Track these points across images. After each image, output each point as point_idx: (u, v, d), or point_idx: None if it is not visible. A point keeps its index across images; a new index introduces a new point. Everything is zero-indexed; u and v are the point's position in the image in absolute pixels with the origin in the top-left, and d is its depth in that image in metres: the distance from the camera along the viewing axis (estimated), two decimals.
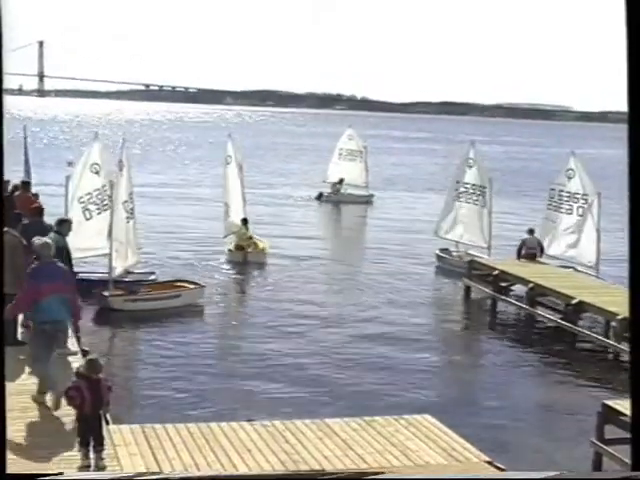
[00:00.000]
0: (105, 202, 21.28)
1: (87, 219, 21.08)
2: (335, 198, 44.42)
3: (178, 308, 21.77)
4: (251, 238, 28.76)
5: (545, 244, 25.31)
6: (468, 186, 27.47)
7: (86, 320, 20.24)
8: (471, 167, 27.62)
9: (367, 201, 44.98)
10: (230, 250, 28.44)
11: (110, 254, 21.02)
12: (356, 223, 42.63)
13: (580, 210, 24.84)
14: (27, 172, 23.18)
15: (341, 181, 44.34)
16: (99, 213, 21.28)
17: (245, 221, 28.57)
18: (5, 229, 15.00)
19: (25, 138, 24.65)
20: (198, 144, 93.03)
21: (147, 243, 24.74)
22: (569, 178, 25.30)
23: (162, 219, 35.72)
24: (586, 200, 24.69)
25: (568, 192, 25.18)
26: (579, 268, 24.72)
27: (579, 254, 24.68)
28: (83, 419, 9.71)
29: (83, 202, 21.17)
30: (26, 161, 23.88)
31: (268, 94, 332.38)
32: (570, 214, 25.07)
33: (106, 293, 21.11)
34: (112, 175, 21.28)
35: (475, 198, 27.32)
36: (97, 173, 21.29)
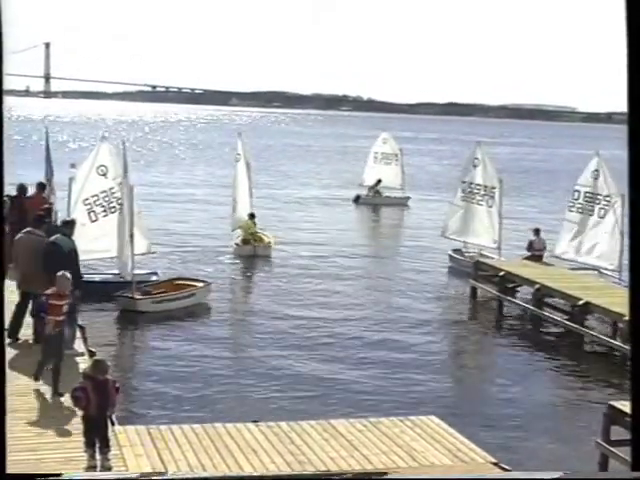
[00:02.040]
0: (112, 204, 21.16)
1: (92, 221, 21.01)
2: (372, 200, 45.46)
3: (192, 307, 21.98)
4: (257, 232, 29.60)
5: (563, 246, 25.04)
6: (473, 186, 27.25)
7: (120, 324, 20.53)
8: (476, 167, 27.39)
9: (403, 203, 45.64)
10: (237, 244, 29.31)
11: (132, 256, 20.98)
12: (378, 224, 43.31)
13: (602, 212, 24.36)
14: (50, 172, 23.28)
15: (378, 182, 45.33)
16: (105, 215, 21.15)
17: (252, 216, 29.45)
18: (29, 229, 15.03)
19: (47, 140, 24.86)
20: (208, 145, 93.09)
21: (156, 241, 25.15)
22: (595, 179, 24.74)
23: (172, 218, 36.50)
24: (609, 202, 24.21)
25: (593, 193, 24.65)
26: (602, 271, 24.24)
27: (602, 257, 24.12)
28: (89, 420, 9.73)
29: (89, 204, 21.09)
30: (48, 162, 24.02)
31: (274, 95, 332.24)
32: (592, 215, 24.55)
33: (130, 295, 21.05)
34: (121, 177, 21.25)
35: (479, 198, 27.06)
36: (104, 175, 21.22)
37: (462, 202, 27.63)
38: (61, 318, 12.27)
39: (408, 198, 45.88)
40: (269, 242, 29.86)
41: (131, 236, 20.76)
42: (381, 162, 45.54)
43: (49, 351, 12.22)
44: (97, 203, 21.14)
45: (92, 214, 21.10)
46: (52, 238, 14.29)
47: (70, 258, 14.05)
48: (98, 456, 9.70)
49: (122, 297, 21.02)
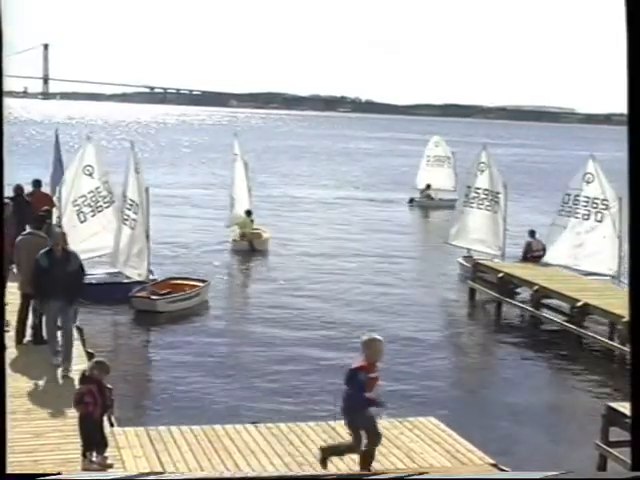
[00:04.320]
0: (99, 203, 21.41)
1: (81, 222, 21.27)
2: (425, 203, 46.40)
3: (199, 305, 22.31)
4: (255, 228, 30.86)
5: (560, 251, 24.45)
6: (480, 191, 26.31)
7: (144, 325, 20.61)
8: (483, 172, 26.45)
9: (455, 205, 45.39)
10: (235, 240, 30.54)
11: (148, 256, 21.15)
12: (414, 226, 43.76)
13: (599, 216, 23.75)
14: (61, 173, 23.31)
15: (428, 186, 46.22)
16: (93, 215, 21.44)
17: (249, 213, 30.53)
18: (30, 230, 14.99)
19: (57, 143, 24.89)
20: (208, 146, 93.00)
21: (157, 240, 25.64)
22: (587, 182, 24.16)
23: (172, 217, 37.07)
24: (606, 206, 23.63)
25: (586, 197, 24.05)
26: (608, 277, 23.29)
27: (600, 262, 23.40)
28: (89, 422, 9.69)
29: (77, 205, 21.33)
30: (60, 166, 24.05)
31: (272, 96, 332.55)
32: (587, 220, 23.95)
33: (146, 295, 21.14)
34: (107, 176, 21.55)
35: (487, 204, 26.13)
36: (90, 175, 21.45)
37: (465, 207, 26.88)
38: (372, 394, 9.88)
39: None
40: (267, 237, 31.03)
41: (147, 236, 21.00)
42: (434, 165, 46.36)
43: (374, 438, 10.03)
44: (85, 203, 21.44)
45: (81, 215, 21.41)
46: (39, 258, 13.06)
47: (53, 274, 12.87)
48: (95, 458, 9.69)
49: (137, 297, 21.07)
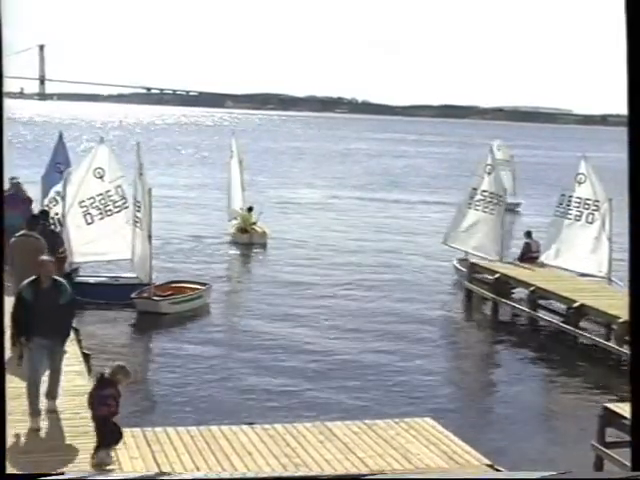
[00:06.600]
0: (108, 207, 21.28)
1: (88, 224, 21.13)
2: None
3: (201, 307, 22.35)
4: (255, 223, 32.52)
5: (552, 252, 24.49)
6: (486, 194, 25.92)
7: (148, 327, 20.65)
8: (490, 174, 26.13)
9: (513, 208, 44.06)
10: (235, 234, 32.33)
11: (150, 258, 21.15)
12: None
13: (590, 217, 23.66)
14: (58, 174, 23.28)
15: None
16: (101, 218, 21.26)
17: (250, 209, 32.49)
18: (23, 232, 14.93)
19: (60, 141, 24.93)
20: (207, 147, 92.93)
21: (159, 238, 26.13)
22: (579, 183, 24.11)
23: (173, 215, 37.58)
24: (597, 207, 23.53)
25: (578, 198, 23.97)
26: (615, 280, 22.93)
27: (591, 263, 23.35)
28: (109, 423, 9.89)
29: (85, 206, 21.17)
30: (61, 163, 24.02)
31: (269, 97, 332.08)
32: (579, 220, 23.88)
33: (149, 296, 21.14)
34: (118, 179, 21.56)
35: (492, 207, 25.80)
36: (101, 178, 21.31)
37: (470, 209, 26.32)
38: None
39: (519, 204, 45.29)
40: (264, 232, 32.53)
41: (149, 237, 21.00)
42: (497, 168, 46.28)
43: None
44: (93, 205, 21.24)
45: (88, 216, 21.23)
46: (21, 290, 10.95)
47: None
48: (101, 454, 9.82)
49: (141, 299, 21.04)
